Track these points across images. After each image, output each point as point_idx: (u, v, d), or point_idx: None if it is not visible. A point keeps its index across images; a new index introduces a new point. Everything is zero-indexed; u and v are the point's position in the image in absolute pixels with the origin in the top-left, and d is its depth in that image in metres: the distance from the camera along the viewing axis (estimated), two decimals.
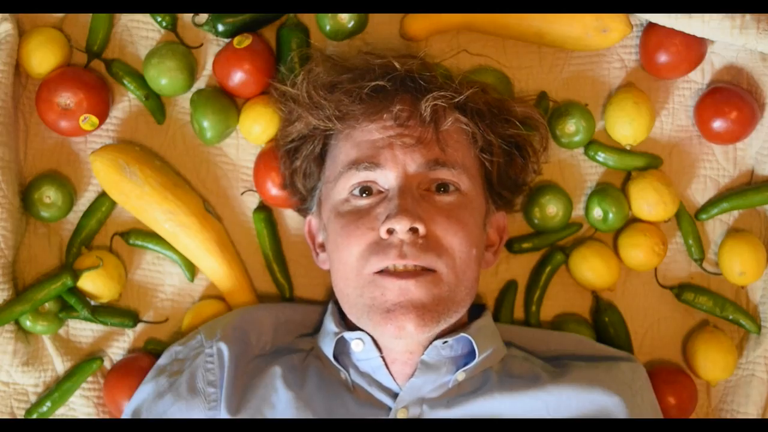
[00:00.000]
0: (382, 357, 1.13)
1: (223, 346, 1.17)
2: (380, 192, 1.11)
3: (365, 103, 1.13)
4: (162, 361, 1.22)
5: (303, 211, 1.27)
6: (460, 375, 1.13)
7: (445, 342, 1.12)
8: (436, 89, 1.14)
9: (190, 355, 1.19)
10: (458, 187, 1.12)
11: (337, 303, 1.18)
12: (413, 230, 1.07)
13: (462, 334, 1.12)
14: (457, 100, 1.14)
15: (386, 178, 1.11)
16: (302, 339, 1.23)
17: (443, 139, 1.12)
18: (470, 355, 1.13)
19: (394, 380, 1.13)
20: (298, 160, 1.21)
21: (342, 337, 1.15)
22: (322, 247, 1.21)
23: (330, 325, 1.18)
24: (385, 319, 1.06)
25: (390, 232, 1.07)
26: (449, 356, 1.13)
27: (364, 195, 1.12)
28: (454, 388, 1.13)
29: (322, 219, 1.19)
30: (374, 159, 1.11)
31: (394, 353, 1.13)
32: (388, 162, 1.10)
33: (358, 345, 1.13)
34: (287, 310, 1.27)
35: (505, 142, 1.19)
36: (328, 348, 1.16)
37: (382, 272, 1.08)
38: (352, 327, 1.16)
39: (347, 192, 1.12)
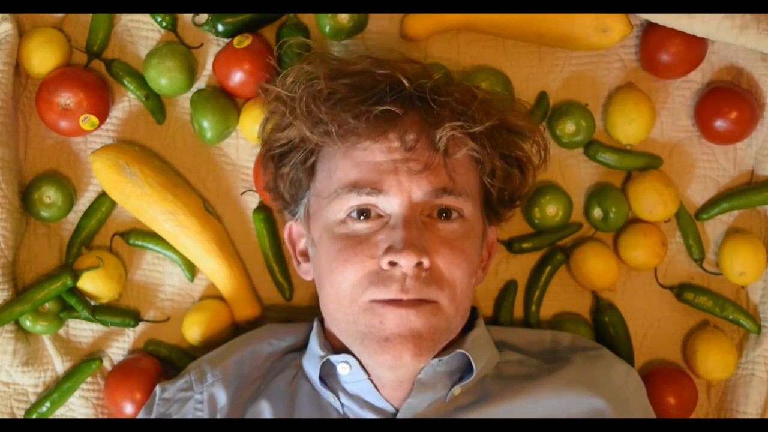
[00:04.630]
0: (370, 379, 1.09)
1: (219, 391, 1.14)
2: (380, 216, 1.05)
3: (370, 122, 1.05)
4: (149, 402, 1.17)
5: (287, 213, 1.21)
6: (457, 390, 1.10)
7: (441, 360, 1.09)
8: (449, 113, 1.06)
9: (176, 397, 1.16)
10: (461, 213, 1.07)
11: (321, 322, 1.16)
12: (417, 264, 1.02)
13: (458, 351, 1.09)
14: (474, 130, 1.06)
15: (389, 204, 1.05)
16: (291, 355, 1.19)
17: (451, 165, 1.06)
18: (465, 366, 1.11)
19: (386, 401, 1.10)
20: (285, 167, 1.14)
21: (327, 360, 1.11)
22: (304, 255, 1.17)
23: (315, 347, 1.14)
24: (382, 348, 1.02)
25: (392, 264, 1.02)
26: (445, 371, 1.10)
27: (362, 218, 1.06)
28: (451, 402, 1.10)
29: (310, 232, 1.13)
30: (378, 185, 1.04)
31: (383, 380, 1.10)
32: (393, 188, 1.04)
33: (344, 368, 1.10)
34: (282, 331, 1.23)
35: (508, 163, 1.15)
36: (313, 371, 1.13)
37: (382, 300, 1.03)
38: (337, 348, 1.13)
39: (344, 213, 1.06)
